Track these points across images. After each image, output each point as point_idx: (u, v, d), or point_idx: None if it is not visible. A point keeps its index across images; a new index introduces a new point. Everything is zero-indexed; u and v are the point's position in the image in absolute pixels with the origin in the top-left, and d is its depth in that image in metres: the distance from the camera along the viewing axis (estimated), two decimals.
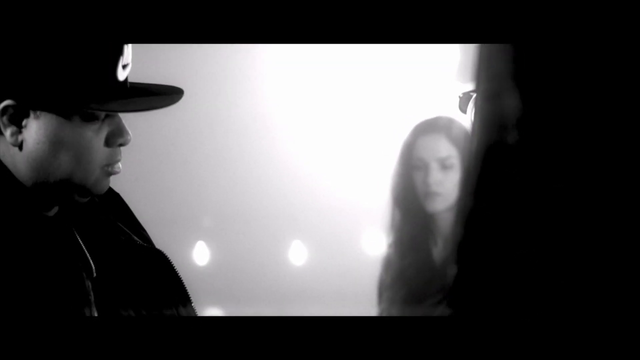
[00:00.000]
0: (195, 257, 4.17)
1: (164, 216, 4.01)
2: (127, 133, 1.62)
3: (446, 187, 2.86)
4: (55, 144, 1.56)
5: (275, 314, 4.06)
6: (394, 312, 2.94)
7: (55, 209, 1.63)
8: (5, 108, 1.54)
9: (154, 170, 4.10)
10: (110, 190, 1.71)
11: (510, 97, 1.09)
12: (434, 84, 3.80)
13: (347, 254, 4.01)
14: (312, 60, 4.16)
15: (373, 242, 3.35)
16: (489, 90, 1.13)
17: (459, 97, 2.74)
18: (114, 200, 1.76)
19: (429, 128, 2.95)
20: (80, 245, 1.62)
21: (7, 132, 1.55)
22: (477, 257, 1.11)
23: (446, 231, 2.89)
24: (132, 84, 1.64)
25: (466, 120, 2.89)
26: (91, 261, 1.62)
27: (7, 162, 1.58)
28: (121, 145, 1.62)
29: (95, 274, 1.61)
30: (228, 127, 4.15)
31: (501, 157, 1.09)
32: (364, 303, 3.12)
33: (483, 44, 1.16)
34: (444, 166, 2.88)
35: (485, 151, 1.11)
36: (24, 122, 1.55)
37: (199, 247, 4.18)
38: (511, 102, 1.09)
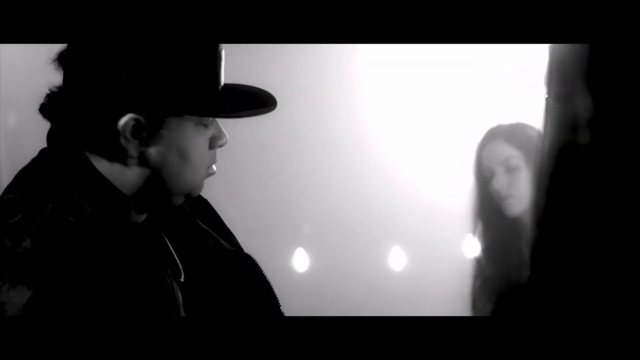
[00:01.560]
0: (295, 264, 4.20)
1: (263, 223, 4.06)
2: (225, 135, 1.66)
3: (517, 188, 2.88)
4: (175, 153, 1.59)
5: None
6: None
7: (144, 215, 1.67)
8: (128, 122, 1.54)
9: (253, 177, 4.15)
10: (199, 196, 1.74)
11: (581, 98, 1.10)
12: (525, 87, 3.78)
13: (447, 259, 3.99)
14: (410, 64, 4.17)
15: (473, 247, 3.33)
16: (561, 92, 1.13)
17: (546, 98, 2.74)
18: (202, 206, 1.79)
19: (488, 138, 2.99)
20: (170, 249, 1.65)
21: (131, 146, 1.56)
22: (551, 258, 1.11)
23: None
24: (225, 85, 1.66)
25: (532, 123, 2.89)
26: (180, 265, 1.65)
27: (113, 173, 1.59)
28: (220, 146, 1.66)
29: (183, 278, 1.64)
30: (327, 133, 4.18)
31: (573, 157, 1.10)
32: (463, 309, 3.12)
33: (555, 46, 1.17)
34: (509, 168, 2.90)
35: (557, 151, 1.11)
36: (144, 134, 1.56)
37: (298, 254, 4.22)
38: (583, 103, 1.09)
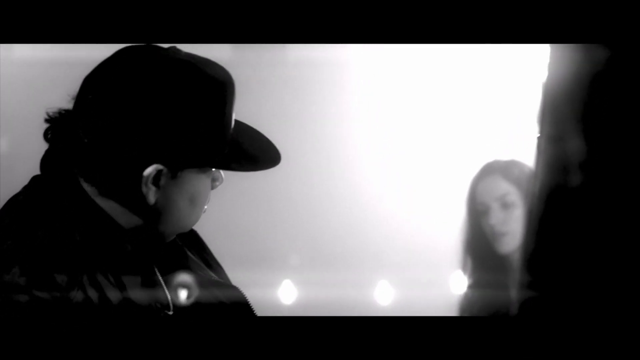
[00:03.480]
0: (281, 296, 4.20)
1: (251, 254, 4.06)
2: (222, 176, 1.71)
3: (511, 225, 2.87)
4: (187, 198, 1.64)
5: None
6: None
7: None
8: (152, 171, 1.57)
9: (241, 209, 4.15)
10: None
11: (574, 139, 1.10)
12: (516, 126, 3.80)
13: (434, 295, 3.99)
14: (403, 94, 4.20)
15: (461, 283, 3.33)
16: (553, 133, 1.13)
17: (537, 137, 2.73)
18: (191, 237, 1.79)
19: (485, 172, 2.98)
20: (159, 280, 1.65)
21: (150, 193, 1.59)
22: (539, 299, 1.11)
23: None
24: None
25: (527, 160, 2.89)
26: (169, 298, 1.64)
27: (111, 207, 1.61)
28: (217, 186, 1.71)
29: (172, 311, 1.64)
30: (314, 166, 4.19)
31: (564, 200, 1.10)
32: None
33: (548, 85, 1.17)
34: (505, 204, 2.89)
35: (548, 193, 1.11)
36: (162, 182, 1.59)
37: (285, 286, 4.21)
38: (575, 145, 1.09)
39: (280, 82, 4.16)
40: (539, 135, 2.19)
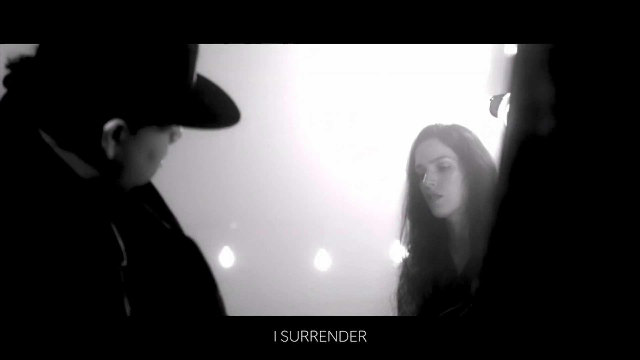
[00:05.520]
0: (221, 261, 4.18)
1: (191, 219, 4.02)
2: (180, 130, 1.71)
3: (446, 188, 2.86)
4: (145, 154, 1.64)
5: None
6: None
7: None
8: (113, 126, 1.57)
9: (182, 174, 4.12)
10: None
11: (545, 84, 1.09)
12: (464, 93, 3.81)
13: (374, 262, 4.00)
14: (340, 68, 4.18)
15: (399, 250, 3.34)
16: (525, 77, 1.13)
17: (490, 100, 2.74)
18: (147, 188, 1.78)
19: (424, 136, 2.98)
20: (113, 232, 1.63)
21: (110, 148, 1.58)
22: (509, 246, 1.11)
23: (463, 236, 2.89)
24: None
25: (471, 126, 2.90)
26: (123, 249, 1.63)
27: (69, 158, 1.60)
28: (176, 140, 1.72)
29: (126, 262, 1.62)
30: (256, 134, 4.17)
31: (535, 144, 1.09)
32: (389, 311, 3.11)
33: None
34: (440, 167, 2.89)
35: (519, 138, 1.11)
36: (122, 137, 1.58)
37: (225, 252, 4.19)
38: (547, 89, 1.09)
39: (229, 55, 4.13)
40: (492, 97, 2.19)
